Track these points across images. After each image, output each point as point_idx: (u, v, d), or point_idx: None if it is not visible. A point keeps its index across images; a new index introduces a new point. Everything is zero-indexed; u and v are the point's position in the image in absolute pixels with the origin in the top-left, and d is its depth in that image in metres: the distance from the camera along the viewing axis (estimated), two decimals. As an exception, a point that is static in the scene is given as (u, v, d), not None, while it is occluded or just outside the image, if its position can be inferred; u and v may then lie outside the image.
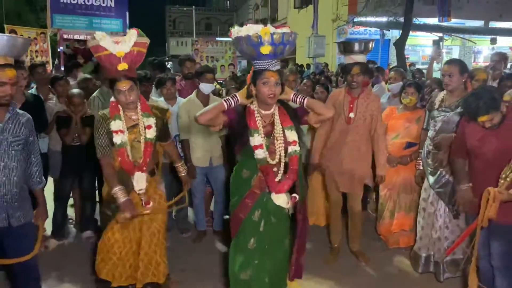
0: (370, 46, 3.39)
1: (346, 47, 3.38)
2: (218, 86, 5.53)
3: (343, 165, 3.41)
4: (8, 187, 2.28)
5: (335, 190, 3.57)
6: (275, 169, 2.39)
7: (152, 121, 2.67)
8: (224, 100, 2.34)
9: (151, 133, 2.66)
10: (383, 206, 3.87)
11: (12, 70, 2.19)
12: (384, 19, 14.06)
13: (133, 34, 2.46)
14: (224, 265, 3.21)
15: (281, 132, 2.40)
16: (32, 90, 4.37)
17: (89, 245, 3.82)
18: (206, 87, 3.75)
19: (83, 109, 3.84)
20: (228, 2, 42.52)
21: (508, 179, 2.32)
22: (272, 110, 2.41)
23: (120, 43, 2.42)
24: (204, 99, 3.78)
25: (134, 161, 2.64)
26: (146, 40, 2.54)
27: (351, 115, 3.36)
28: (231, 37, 2.32)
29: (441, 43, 14.49)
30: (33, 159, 2.49)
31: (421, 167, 3.44)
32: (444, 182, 3.11)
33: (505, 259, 2.48)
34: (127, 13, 9.01)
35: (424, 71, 10.14)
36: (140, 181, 2.62)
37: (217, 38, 14.27)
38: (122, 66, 2.44)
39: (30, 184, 2.51)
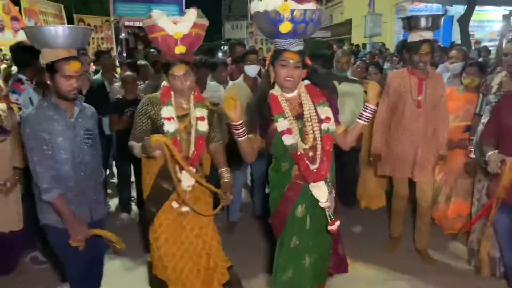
0: (439, 22, 3.10)
1: (412, 23, 3.09)
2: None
3: (419, 152, 3.15)
4: (86, 182, 2.22)
5: (403, 183, 3.34)
6: (311, 153, 2.11)
7: (204, 112, 2.45)
8: (236, 137, 2.03)
9: (203, 126, 2.43)
10: (438, 191, 3.75)
11: (76, 62, 2.08)
12: (447, -6, 13.19)
13: (192, 14, 2.25)
14: (266, 261, 3.22)
15: (313, 110, 2.13)
16: (98, 76, 4.70)
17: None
18: (250, 69, 3.67)
19: (135, 92, 3.99)
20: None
21: None
22: (297, 91, 2.15)
23: (179, 23, 2.21)
24: (251, 82, 3.71)
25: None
26: (205, 22, 2.33)
27: (421, 98, 3.09)
28: (250, 12, 2.12)
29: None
30: (98, 148, 2.39)
31: (473, 155, 3.23)
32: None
33: None
34: (184, 0, 9.24)
35: (492, 49, 9.46)
36: (188, 177, 2.38)
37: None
38: (179, 49, 2.23)
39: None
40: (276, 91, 2.15)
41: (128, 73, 4.14)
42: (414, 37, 3.08)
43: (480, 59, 6.42)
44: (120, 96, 4.06)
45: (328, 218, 2.12)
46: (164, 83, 2.42)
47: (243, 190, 4.33)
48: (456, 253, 3.46)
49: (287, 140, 2.08)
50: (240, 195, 4.08)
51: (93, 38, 9.80)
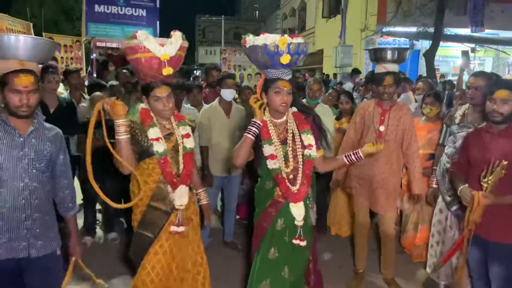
0: (404, 55, 3.20)
1: (378, 55, 3.18)
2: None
3: (374, 183, 3.16)
4: (28, 211, 1.96)
5: (363, 211, 3.32)
6: (292, 176, 2.32)
7: (188, 129, 2.48)
8: (247, 132, 2.26)
9: (190, 142, 2.45)
10: (407, 218, 3.81)
11: (28, 76, 1.90)
12: (413, 29, 13.81)
13: (179, 37, 2.29)
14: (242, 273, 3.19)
15: (298, 137, 2.35)
16: (66, 94, 4.58)
17: (114, 246, 3.92)
18: (227, 93, 3.74)
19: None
20: (257, 12, 42.89)
21: (490, 182, 2.24)
22: (285, 117, 2.38)
23: (165, 45, 2.22)
24: (226, 106, 3.79)
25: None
26: (186, 44, 2.36)
27: (382, 128, 3.13)
28: (244, 45, 2.26)
29: (472, 53, 14.09)
30: (64, 181, 2.16)
31: (435, 185, 3.26)
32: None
33: (506, 283, 2.33)
34: (158, 22, 9.28)
35: (455, 82, 9.93)
36: (183, 195, 2.35)
37: (245, 47, 14.39)
38: (168, 71, 2.25)
39: (60, 209, 2.20)
40: (265, 117, 2.35)
41: (97, 93, 4.05)
42: (379, 68, 3.17)
43: (446, 92, 6.73)
44: (89, 116, 3.95)
45: (298, 234, 2.31)
46: (142, 105, 2.39)
47: (213, 215, 4.25)
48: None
49: (271, 164, 2.30)
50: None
51: (62, 58, 9.64)
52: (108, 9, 8.78)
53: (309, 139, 2.34)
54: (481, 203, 2.27)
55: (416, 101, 4.88)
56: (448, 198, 3.04)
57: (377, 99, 3.23)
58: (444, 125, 3.33)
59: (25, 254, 1.98)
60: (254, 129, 2.25)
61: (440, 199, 3.21)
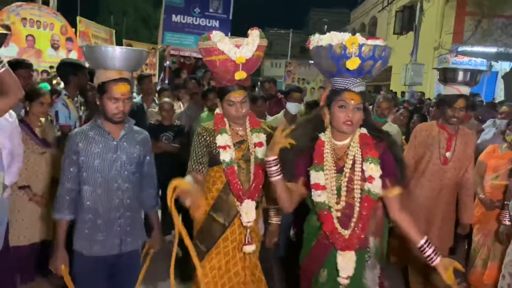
0: (478, 77, 2.97)
1: (448, 75, 2.97)
2: None
3: (437, 214, 2.94)
4: (121, 210, 2.09)
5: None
6: (342, 215, 1.84)
7: (263, 137, 2.24)
8: (270, 176, 1.79)
9: (262, 152, 2.18)
10: (475, 252, 3.52)
11: (125, 85, 2.01)
12: (493, 49, 12.98)
13: (256, 36, 2.08)
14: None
15: (359, 165, 1.84)
16: (138, 98, 4.84)
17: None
18: (292, 107, 3.75)
19: (171, 119, 4.06)
20: (326, 26, 42.82)
21: None
22: (349, 139, 1.88)
23: (242, 46, 2.04)
24: (291, 119, 3.77)
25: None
26: (265, 43, 2.15)
27: (448, 154, 2.93)
28: (308, 46, 1.89)
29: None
30: (149, 180, 2.26)
31: (508, 222, 2.99)
32: None
33: None
34: (229, 34, 9.57)
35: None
36: (249, 211, 2.15)
37: (310, 61, 14.43)
38: (240, 75, 2.08)
39: (145, 207, 2.31)
40: (325, 136, 1.91)
41: (166, 99, 4.25)
42: (449, 90, 2.96)
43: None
44: (156, 120, 4.15)
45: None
46: (217, 110, 2.27)
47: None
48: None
49: (317, 196, 1.84)
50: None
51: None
52: (184, 19, 9.22)
53: (371, 169, 1.80)
54: None
55: (495, 125, 4.52)
56: None
57: (442, 122, 3.03)
58: None
59: (118, 250, 2.10)
60: (273, 169, 1.76)
61: (514, 237, 2.95)
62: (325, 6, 44.60)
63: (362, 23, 25.92)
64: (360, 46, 1.71)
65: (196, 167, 2.23)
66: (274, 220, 2.38)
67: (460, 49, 14.19)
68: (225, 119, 2.24)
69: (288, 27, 37.57)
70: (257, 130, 2.25)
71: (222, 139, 2.18)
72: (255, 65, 2.18)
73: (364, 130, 1.90)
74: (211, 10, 9.32)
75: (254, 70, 2.21)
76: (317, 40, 1.82)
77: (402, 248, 4.00)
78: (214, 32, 2.05)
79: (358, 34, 1.73)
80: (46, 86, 5.21)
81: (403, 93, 13.44)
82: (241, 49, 2.03)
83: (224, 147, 2.16)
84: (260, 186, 2.21)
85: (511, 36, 11.68)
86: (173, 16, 9.13)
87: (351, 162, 1.85)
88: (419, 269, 3.22)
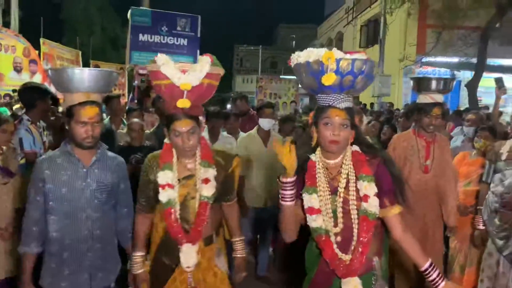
0: (451, 85, 3.01)
1: (422, 84, 3.01)
2: None
3: (427, 222, 2.93)
4: (90, 242, 1.97)
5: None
6: (340, 239, 1.73)
7: (211, 173, 2.02)
8: (281, 200, 1.72)
9: (208, 190, 2.00)
10: (453, 258, 3.55)
11: (93, 107, 1.91)
12: (454, 59, 13.53)
13: (206, 62, 1.90)
14: None
15: (353, 184, 1.73)
16: (106, 120, 4.70)
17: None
18: (265, 122, 3.73)
19: (141, 140, 3.91)
20: (294, 42, 43.60)
21: None
22: (341, 157, 1.78)
23: (188, 72, 1.87)
24: (265, 135, 3.77)
25: (184, 226, 2.01)
26: (219, 71, 1.99)
27: (428, 162, 2.95)
28: (290, 65, 1.84)
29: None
30: (124, 210, 2.14)
31: (481, 227, 3.03)
32: None
33: None
34: (198, 51, 9.54)
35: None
36: (188, 255, 1.97)
37: (281, 76, 14.62)
38: (183, 103, 1.88)
39: (121, 240, 2.18)
40: (315, 156, 1.81)
41: (135, 120, 4.14)
42: (424, 98, 3.00)
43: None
44: (126, 142, 4.02)
45: None
46: (166, 140, 2.06)
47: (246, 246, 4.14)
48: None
49: (312, 221, 1.74)
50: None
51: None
52: (151, 38, 9.13)
53: (365, 187, 1.69)
54: None
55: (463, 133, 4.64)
56: (499, 242, 2.80)
57: (419, 131, 3.05)
58: (487, 161, 3.12)
59: (87, 286, 1.98)
60: (288, 192, 1.68)
61: (489, 241, 2.97)
62: (293, 22, 45.52)
63: (329, 38, 26.56)
64: (338, 60, 1.65)
65: (146, 203, 2.08)
66: (239, 253, 2.19)
67: (424, 59, 14.71)
68: (174, 150, 2.04)
69: (257, 43, 38.09)
70: (206, 164, 2.02)
71: (163, 177, 1.98)
72: (206, 94, 1.99)
73: (356, 148, 1.81)
74: (178, 28, 9.27)
75: (205, 100, 2.04)
76: (296, 57, 1.78)
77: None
78: (159, 55, 1.90)
79: (334, 49, 1.68)
80: (5, 111, 5.00)
81: (372, 104, 13.74)
82: (186, 75, 1.86)
83: (163, 186, 1.97)
84: (202, 227, 2.00)
85: (471, 46, 12.19)
86: (140, 35, 9.02)
87: (345, 181, 1.75)
88: (405, 279, 3.20)
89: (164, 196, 1.96)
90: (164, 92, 1.93)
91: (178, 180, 2.01)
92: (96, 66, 11.35)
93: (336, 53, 1.65)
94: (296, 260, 2.15)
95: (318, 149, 1.83)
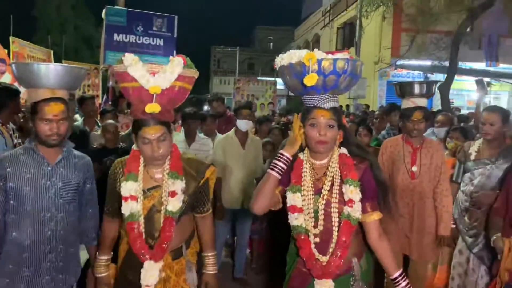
0: (433, 88, 2.99)
1: (405, 89, 2.97)
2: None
3: (414, 229, 2.88)
4: (53, 243, 1.90)
5: (398, 255, 2.82)
6: (319, 240, 1.73)
7: (179, 185, 1.85)
8: (271, 168, 1.74)
9: (173, 204, 1.83)
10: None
11: (58, 104, 1.84)
12: (428, 62, 13.87)
13: (177, 64, 1.74)
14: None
15: (337, 187, 1.74)
16: (80, 122, 4.59)
17: None
18: (242, 124, 3.70)
19: (115, 141, 3.84)
20: (271, 43, 43.77)
21: None
22: (327, 158, 1.80)
23: (158, 74, 1.71)
24: (242, 136, 3.75)
25: (149, 241, 1.86)
26: (193, 74, 1.84)
27: (414, 169, 2.89)
28: (275, 68, 1.83)
29: (488, 87, 14.04)
30: (89, 210, 2.09)
31: (453, 225, 3.04)
32: (485, 243, 2.78)
33: None
34: (175, 52, 9.44)
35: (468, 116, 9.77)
36: (149, 273, 1.81)
37: (259, 78, 14.65)
38: (151, 108, 1.71)
39: (83, 240, 2.12)
40: (303, 155, 1.82)
41: (110, 121, 4.05)
42: (407, 103, 2.96)
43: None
44: (100, 144, 3.93)
45: None
46: (134, 146, 1.90)
47: (223, 248, 4.12)
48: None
49: (294, 219, 1.74)
50: (220, 253, 3.87)
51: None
52: (126, 38, 8.96)
53: (351, 192, 1.69)
54: None
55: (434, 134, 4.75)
56: (469, 239, 2.88)
57: (406, 136, 3.01)
58: (457, 161, 3.19)
59: None
60: (280, 164, 1.71)
61: (459, 239, 3.05)
62: (270, 24, 45.80)
63: (306, 40, 26.81)
64: (319, 61, 1.64)
65: (110, 209, 1.97)
66: (210, 269, 2.01)
67: (398, 62, 15.03)
68: (141, 159, 1.89)
69: (235, 44, 38.12)
70: (174, 176, 1.85)
71: (126, 188, 1.82)
72: (178, 98, 1.84)
73: (344, 150, 1.80)
74: (154, 28, 9.14)
75: (178, 104, 1.88)
76: (280, 60, 1.78)
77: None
78: (127, 54, 1.74)
79: (316, 50, 1.67)
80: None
81: (348, 106, 13.94)
82: (156, 77, 1.70)
83: (126, 199, 1.81)
84: (166, 243, 1.83)
85: (443, 50, 12.52)
86: (115, 35, 8.84)
87: (329, 183, 1.76)
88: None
89: (126, 209, 1.82)
90: (131, 95, 1.77)
91: (144, 191, 1.86)
92: (70, 66, 11.09)
93: (318, 53, 1.65)
94: (273, 262, 2.13)
95: (306, 149, 1.84)
